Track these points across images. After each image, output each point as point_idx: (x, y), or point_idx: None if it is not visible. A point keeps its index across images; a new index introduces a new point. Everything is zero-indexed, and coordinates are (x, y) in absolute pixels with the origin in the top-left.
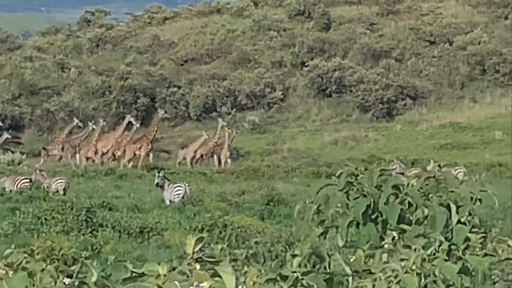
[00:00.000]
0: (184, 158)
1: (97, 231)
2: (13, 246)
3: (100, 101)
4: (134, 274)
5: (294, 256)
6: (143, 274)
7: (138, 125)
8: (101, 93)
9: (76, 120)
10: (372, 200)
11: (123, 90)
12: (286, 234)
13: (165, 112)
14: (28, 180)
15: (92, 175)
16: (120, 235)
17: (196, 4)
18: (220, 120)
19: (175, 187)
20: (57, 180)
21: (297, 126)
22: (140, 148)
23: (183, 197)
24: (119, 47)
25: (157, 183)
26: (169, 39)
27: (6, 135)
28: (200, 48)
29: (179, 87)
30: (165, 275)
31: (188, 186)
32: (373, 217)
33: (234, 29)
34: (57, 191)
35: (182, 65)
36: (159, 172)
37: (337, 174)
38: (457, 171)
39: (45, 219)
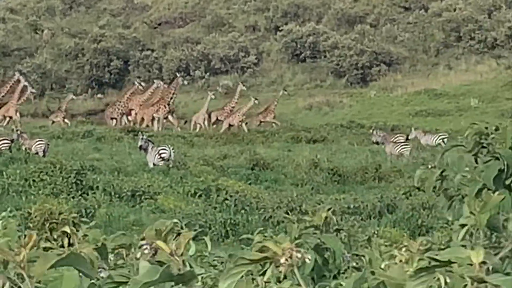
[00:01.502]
0: (196, 123)
1: (87, 194)
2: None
3: (73, 63)
4: None
5: (462, 226)
6: None
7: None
8: (74, 56)
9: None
10: (505, 163)
11: (96, 52)
12: (287, 200)
13: (183, 79)
14: (8, 141)
15: (69, 137)
16: (111, 198)
17: None
18: (240, 84)
19: (160, 150)
20: (36, 141)
21: (271, 90)
22: (157, 110)
23: (167, 160)
24: (93, 9)
25: (141, 146)
26: (143, 2)
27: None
28: (174, 12)
29: (153, 51)
30: None
31: (172, 149)
32: (507, 182)
33: None
34: (37, 153)
35: (155, 28)
36: (142, 135)
37: (465, 134)
38: (440, 137)
39: (33, 181)
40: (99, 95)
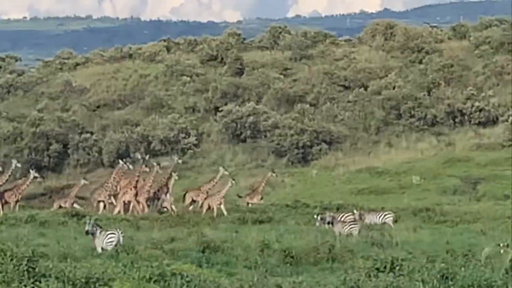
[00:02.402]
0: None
1: (40, 282)
2: None
3: (12, 147)
4: None
5: None
6: None
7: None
8: (13, 140)
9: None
10: None
11: (35, 136)
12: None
13: (179, 158)
14: None
15: (12, 223)
16: (64, 286)
17: (108, 50)
18: (221, 169)
19: (108, 234)
20: None
21: (212, 171)
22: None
23: (116, 245)
24: (31, 93)
25: (87, 231)
26: (81, 84)
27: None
28: (113, 94)
29: (92, 133)
30: None
31: (122, 233)
32: None
33: (147, 74)
34: None
35: (94, 110)
36: (90, 219)
37: None
38: (386, 216)
39: None
40: (38, 179)
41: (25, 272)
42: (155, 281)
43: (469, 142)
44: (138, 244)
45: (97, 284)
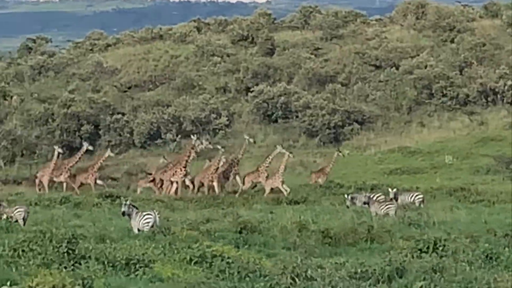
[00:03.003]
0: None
1: (80, 264)
2: None
3: (43, 129)
4: None
5: None
6: None
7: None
8: (44, 121)
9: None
10: None
11: (66, 117)
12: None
13: (222, 149)
14: None
15: (46, 204)
16: (105, 267)
17: (138, 31)
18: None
19: (145, 215)
20: (16, 209)
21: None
22: (174, 174)
23: (152, 226)
24: (61, 74)
25: (124, 212)
26: (112, 65)
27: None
28: (144, 75)
29: (123, 114)
30: None
31: (158, 214)
32: None
33: (177, 55)
34: (16, 221)
35: (125, 91)
36: (126, 200)
37: None
38: (417, 197)
39: (23, 251)
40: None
41: (65, 254)
42: (195, 263)
43: (502, 121)
44: (174, 225)
45: (137, 266)
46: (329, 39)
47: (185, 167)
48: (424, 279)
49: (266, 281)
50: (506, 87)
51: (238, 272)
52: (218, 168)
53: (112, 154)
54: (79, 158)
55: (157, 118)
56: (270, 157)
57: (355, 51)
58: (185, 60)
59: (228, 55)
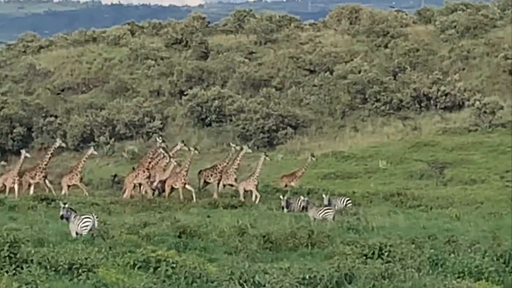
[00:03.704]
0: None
1: (22, 268)
2: None
3: None
4: None
5: None
6: None
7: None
8: None
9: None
10: None
11: None
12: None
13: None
14: None
15: None
16: (47, 272)
17: (71, 33)
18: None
19: (83, 218)
20: None
21: (177, 155)
22: (136, 176)
23: (91, 229)
24: None
25: (62, 215)
26: (45, 68)
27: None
28: (77, 77)
29: (56, 117)
30: None
31: (96, 217)
32: None
33: (111, 58)
34: None
35: (58, 94)
36: (64, 204)
37: None
38: (347, 201)
39: None
40: (2, 162)
41: (7, 258)
42: (139, 268)
43: (435, 127)
44: (111, 228)
45: (80, 270)
46: (263, 43)
47: (148, 169)
48: (374, 285)
49: (214, 286)
50: (439, 93)
51: (185, 278)
52: (188, 170)
53: (95, 153)
54: (51, 155)
55: (91, 121)
56: (238, 158)
57: (289, 55)
58: (119, 63)
59: (162, 58)
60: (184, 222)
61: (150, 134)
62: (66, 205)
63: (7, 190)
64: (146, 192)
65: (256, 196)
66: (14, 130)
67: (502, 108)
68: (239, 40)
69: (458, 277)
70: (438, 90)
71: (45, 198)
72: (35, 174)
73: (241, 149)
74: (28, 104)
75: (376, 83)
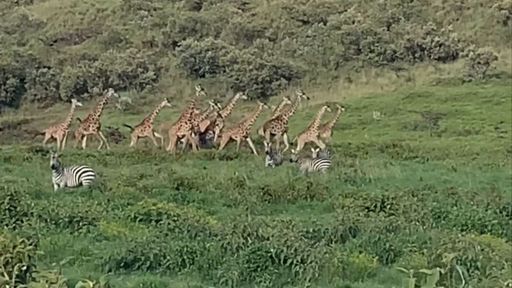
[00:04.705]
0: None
1: (22, 221)
2: None
3: None
4: None
5: None
6: None
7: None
8: None
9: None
10: None
11: None
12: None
13: (243, 93)
14: None
15: None
16: (48, 225)
17: None
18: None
19: (85, 170)
20: None
21: (171, 106)
22: (179, 128)
23: (90, 181)
24: None
25: (53, 165)
26: (38, 19)
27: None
28: (70, 28)
29: (49, 68)
30: None
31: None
32: None
33: (104, 8)
34: None
35: (51, 45)
36: (54, 153)
37: None
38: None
39: None
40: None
41: (7, 211)
42: (140, 221)
43: (429, 77)
44: (108, 180)
45: (81, 223)
46: None
47: (190, 121)
48: (379, 239)
49: (218, 240)
50: (433, 43)
51: (188, 231)
52: (252, 124)
53: (168, 104)
54: (103, 105)
55: (84, 72)
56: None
57: (283, 6)
58: (112, 13)
59: (155, 9)
60: (181, 174)
61: (144, 85)
62: (56, 155)
63: (59, 142)
64: (190, 144)
65: (319, 147)
66: (7, 82)
67: (496, 58)
68: None
69: (462, 230)
70: (432, 40)
71: (40, 149)
72: (89, 126)
73: (303, 95)
74: (21, 55)
75: (370, 34)
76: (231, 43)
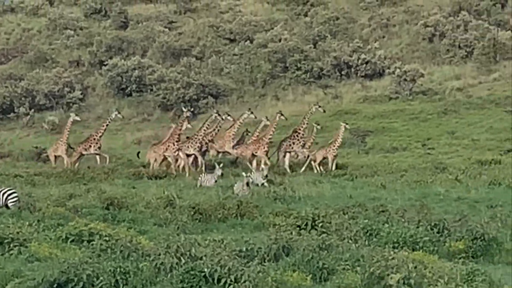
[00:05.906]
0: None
1: None
2: None
3: None
4: None
5: None
6: None
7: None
8: None
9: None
10: None
11: None
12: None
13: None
14: None
15: None
16: None
17: None
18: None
19: (9, 192)
20: None
21: (98, 126)
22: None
23: (18, 202)
24: None
25: None
26: None
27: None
28: None
29: None
30: None
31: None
32: None
33: (30, 28)
34: None
35: None
36: None
37: None
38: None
39: None
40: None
41: None
42: (71, 241)
43: (356, 95)
44: (37, 201)
45: (11, 245)
46: (183, 13)
47: (177, 141)
48: (312, 257)
49: (151, 260)
50: (359, 61)
51: (121, 251)
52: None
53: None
54: (106, 126)
55: (10, 92)
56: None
57: (209, 24)
58: (38, 33)
59: (81, 29)
60: (110, 193)
61: (71, 104)
62: None
63: (65, 158)
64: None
65: (331, 166)
66: None
67: (422, 75)
68: (159, 9)
69: (394, 247)
70: (359, 58)
71: None
72: (90, 146)
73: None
74: None
75: (296, 51)
76: (157, 62)
